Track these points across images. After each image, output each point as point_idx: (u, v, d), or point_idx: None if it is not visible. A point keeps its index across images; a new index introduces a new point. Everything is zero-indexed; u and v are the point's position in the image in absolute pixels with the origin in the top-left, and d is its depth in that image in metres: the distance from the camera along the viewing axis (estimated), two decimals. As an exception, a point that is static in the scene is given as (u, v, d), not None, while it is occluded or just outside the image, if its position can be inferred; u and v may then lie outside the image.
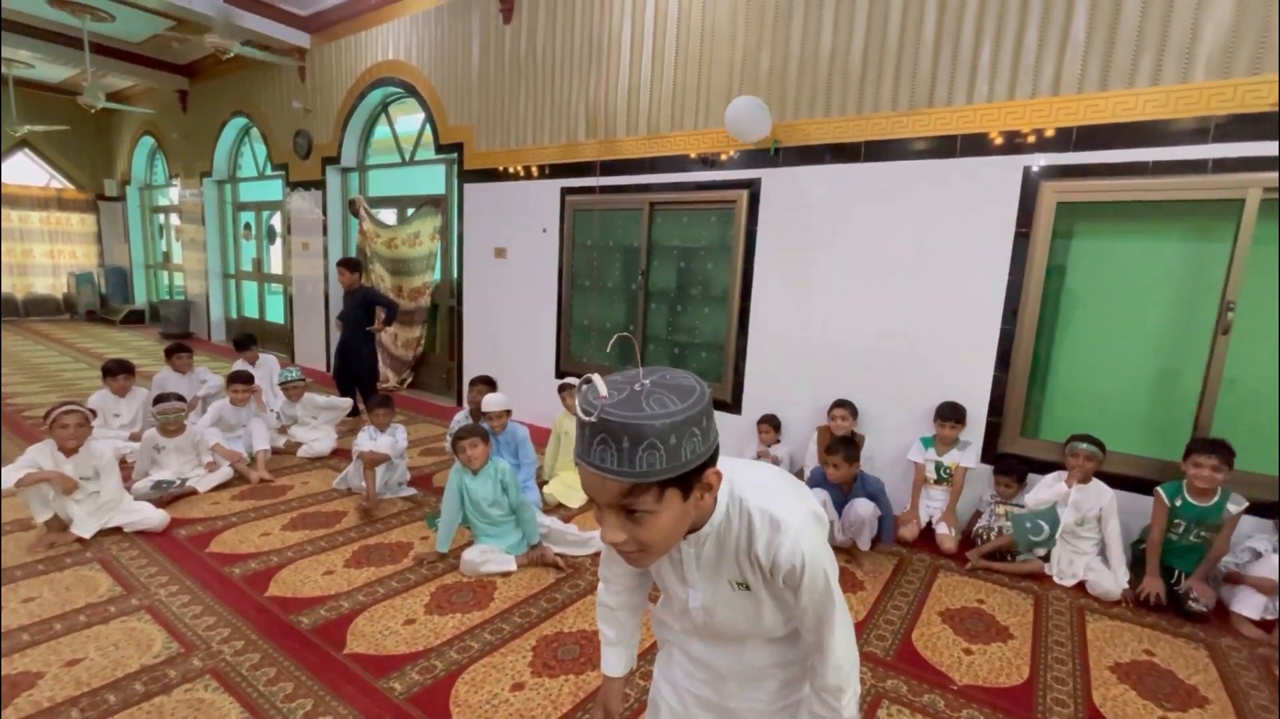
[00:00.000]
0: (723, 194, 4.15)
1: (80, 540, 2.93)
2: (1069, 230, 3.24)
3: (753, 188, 4.03)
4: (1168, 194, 2.91)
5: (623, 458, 0.72)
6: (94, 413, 3.14)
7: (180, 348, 4.72)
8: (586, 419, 0.74)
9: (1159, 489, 2.83)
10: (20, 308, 10.52)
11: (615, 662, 1.19)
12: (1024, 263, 3.24)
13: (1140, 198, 2.98)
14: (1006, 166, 3.24)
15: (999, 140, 3.25)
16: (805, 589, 0.89)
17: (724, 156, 4.13)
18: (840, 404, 3.67)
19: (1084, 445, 2.92)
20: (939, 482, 3.43)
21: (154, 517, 3.11)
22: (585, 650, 2.29)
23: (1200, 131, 2.80)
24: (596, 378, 0.76)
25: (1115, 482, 2.98)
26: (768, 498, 0.89)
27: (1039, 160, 3.16)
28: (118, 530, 3.05)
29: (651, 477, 0.73)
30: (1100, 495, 2.90)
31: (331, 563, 2.87)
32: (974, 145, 3.32)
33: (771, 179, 3.96)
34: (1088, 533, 2.92)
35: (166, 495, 3.44)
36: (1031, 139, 3.17)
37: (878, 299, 3.66)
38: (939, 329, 3.50)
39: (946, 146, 3.39)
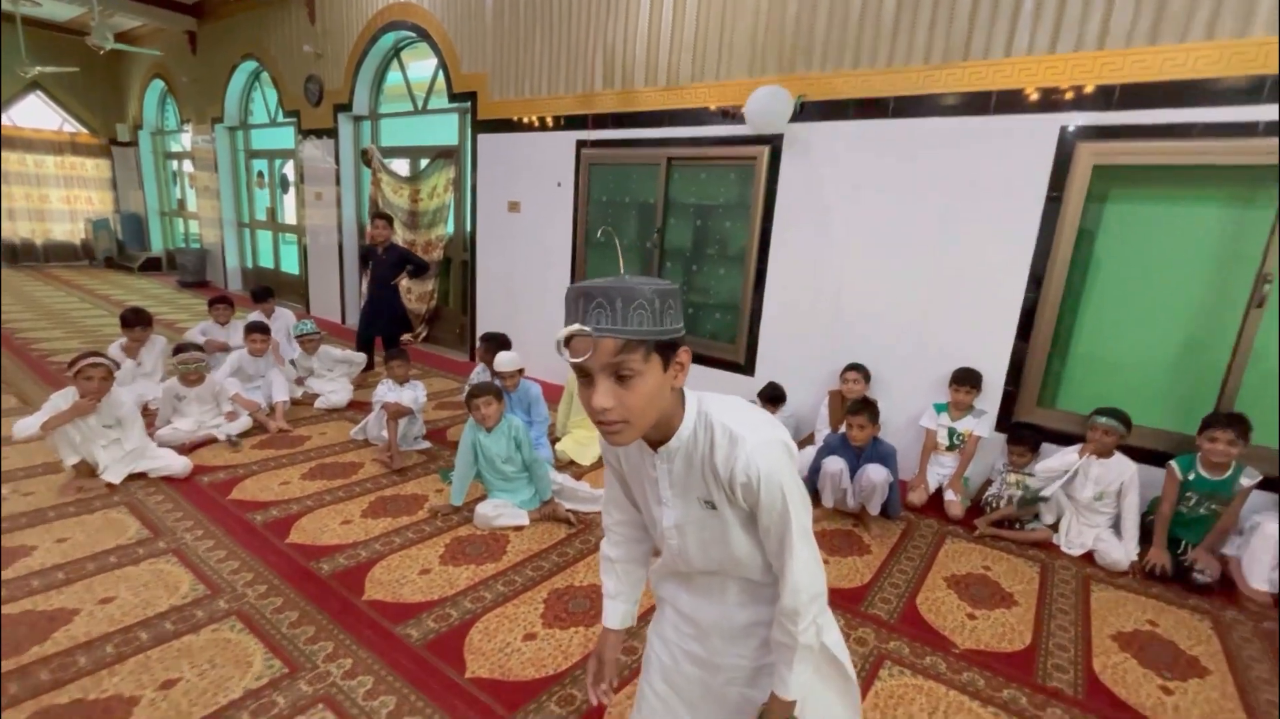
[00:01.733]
0: (743, 149, 4.03)
1: (109, 485, 3.02)
2: (1103, 194, 3.11)
3: (774, 144, 3.90)
4: (1212, 158, 2.77)
5: (616, 317, 0.80)
6: (118, 365, 3.19)
7: (222, 299, 4.91)
8: (581, 292, 0.82)
9: (1172, 463, 2.81)
10: (40, 253, 10.62)
11: (613, 614, 1.22)
12: (1054, 227, 3.13)
13: (1182, 161, 2.84)
14: (1042, 125, 3.10)
15: (1035, 97, 3.10)
16: (763, 507, 0.92)
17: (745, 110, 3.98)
18: (853, 368, 3.64)
19: (1103, 419, 2.87)
20: (951, 448, 3.42)
21: (177, 463, 3.20)
22: (595, 604, 2.36)
23: (1253, 91, 2.65)
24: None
25: (1131, 453, 2.95)
26: (732, 417, 0.93)
27: (1077, 119, 3.02)
28: (143, 476, 3.14)
29: (643, 334, 0.81)
30: (1122, 470, 2.88)
31: (349, 512, 2.95)
32: (1009, 102, 3.17)
33: (794, 135, 3.83)
34: (1104, 507, 2.91)
35: (189, 443, 3.53)
36: (1070, 96, 3.02)
37: (898, 262, 3.58)
38: (959, 294, 3.42)
39: (979, 103, 3.24)
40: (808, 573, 0.96)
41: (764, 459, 0.89)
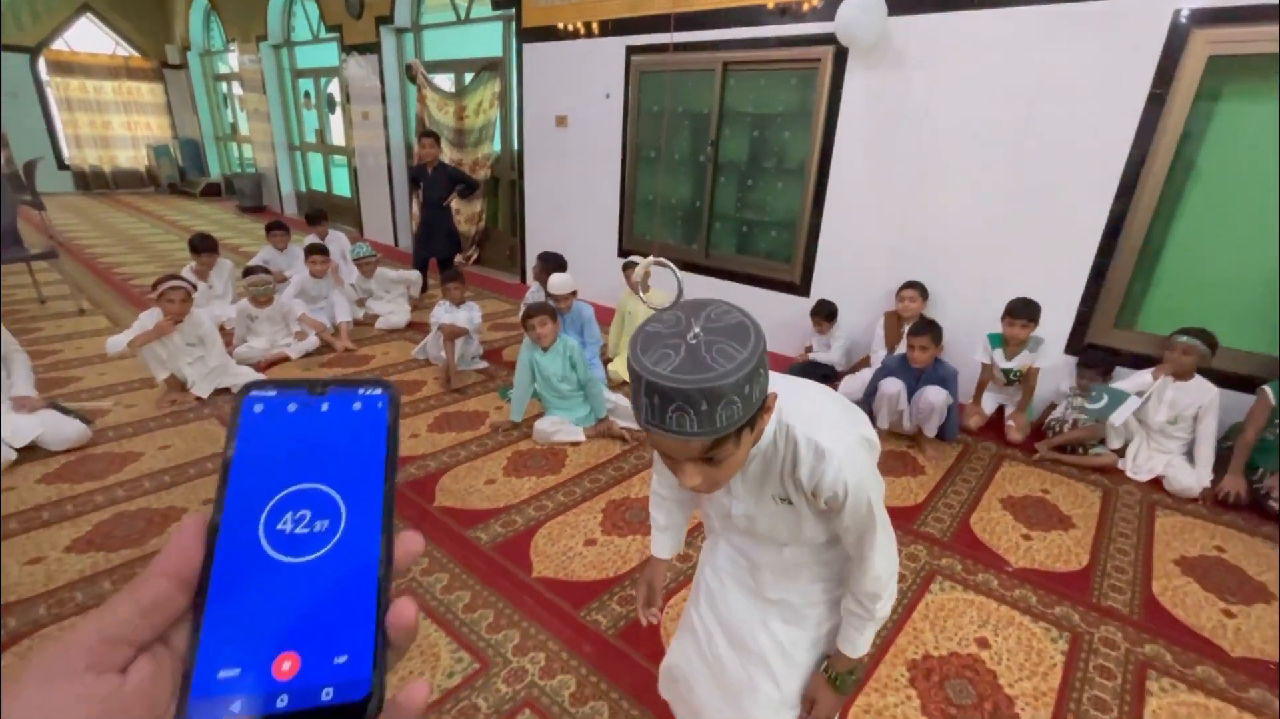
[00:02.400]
0: (805, 51, 3.74)
1: (199, 399, 3.26)
2: (1216, 91, 2.78)
3: (839, 43, 3.59)
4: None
5: (703, 419, 0.70)
6: (195, 287, 3.36)
7: (278, 225, 5.02)
8: (656, 389, 0.70)
9: (1265, 387, 2.64)
10: (110, 180, 11.03)
11: (662, 545, 1.28)
12: (1153, 131, 2.84)
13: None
14: (1149, 9, 2.75)
15: (1147, -23, 2.73)
16: (848, 513, 0.92)
17: (806, 6, 3.66)
18: (911, 285, 3.49)
19: (1184, 338, 2.70)
20: (1008, 384, 3.30)
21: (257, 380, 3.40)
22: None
23: None
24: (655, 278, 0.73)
25: (1216, 377, 2.78)
26: (815, 426, 0.89)
27: (1194, 0, 2.66)
28: (228, 390, 3.37)
29: (733, 427, 0.73)
30: (1202, 393, 2.73)
31: (416, 427, 3.11)
32: (1114, -16, 2.80)
33: (862, 32, 3.51)
34: (1179, 432, 2.79)
35: (264, 360, 3.74)
36: (1189, -26, 2.64)
37: (973, 173, 3.34)
38: (1037, 207, 3.19)
39: (1079, -14, 2.88)
40: (885, 557, 0.97)
41: (851, 471, 0.88)
